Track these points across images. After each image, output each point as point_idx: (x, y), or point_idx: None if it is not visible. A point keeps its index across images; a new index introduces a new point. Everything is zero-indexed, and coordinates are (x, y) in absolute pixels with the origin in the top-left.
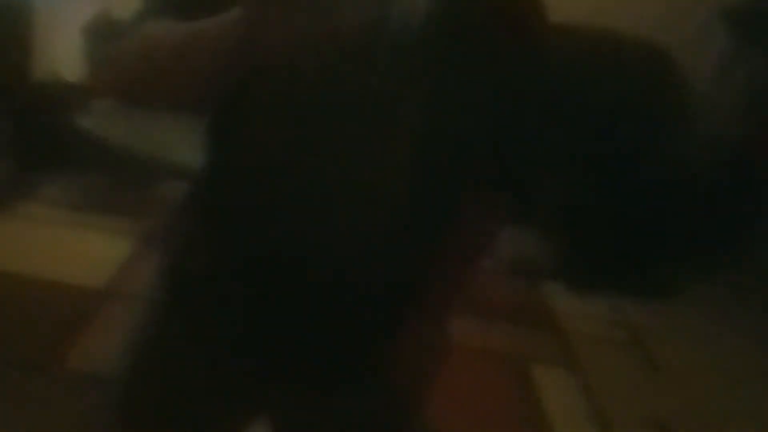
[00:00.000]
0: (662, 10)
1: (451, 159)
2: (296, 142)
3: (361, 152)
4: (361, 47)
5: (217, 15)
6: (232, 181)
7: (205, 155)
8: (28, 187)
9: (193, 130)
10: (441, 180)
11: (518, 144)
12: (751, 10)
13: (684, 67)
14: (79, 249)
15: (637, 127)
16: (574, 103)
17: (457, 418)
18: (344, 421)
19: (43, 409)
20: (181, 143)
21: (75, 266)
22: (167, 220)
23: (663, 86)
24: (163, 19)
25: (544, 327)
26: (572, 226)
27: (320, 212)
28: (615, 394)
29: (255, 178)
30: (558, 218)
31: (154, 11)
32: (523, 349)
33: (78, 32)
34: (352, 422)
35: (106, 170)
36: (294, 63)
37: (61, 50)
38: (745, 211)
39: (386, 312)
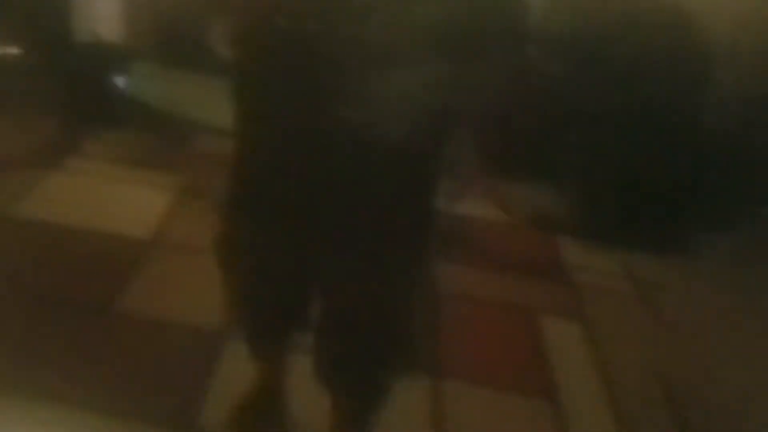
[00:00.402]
0: None
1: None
2: (308, 84)
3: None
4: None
5: None
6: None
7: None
8: (75, 143)
9: (223, 88)
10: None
11: (532, 98)
12: None
13: (704, 23)
14: (125, 202)
15: (655, 82)
16: (591, 59)
17: (466, 365)
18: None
19: (94, 349)
20: (214, 100)
21: (121, 218)
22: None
23: (683, 42)
24: None
25: (555, 279)
26: (586, 180)
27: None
28: (619, 346)
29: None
30: (572, 172)
31: None
32: (533, 300)
33: None
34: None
35: (147, 127)
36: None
37: (101, 11)
38: (759, 169)
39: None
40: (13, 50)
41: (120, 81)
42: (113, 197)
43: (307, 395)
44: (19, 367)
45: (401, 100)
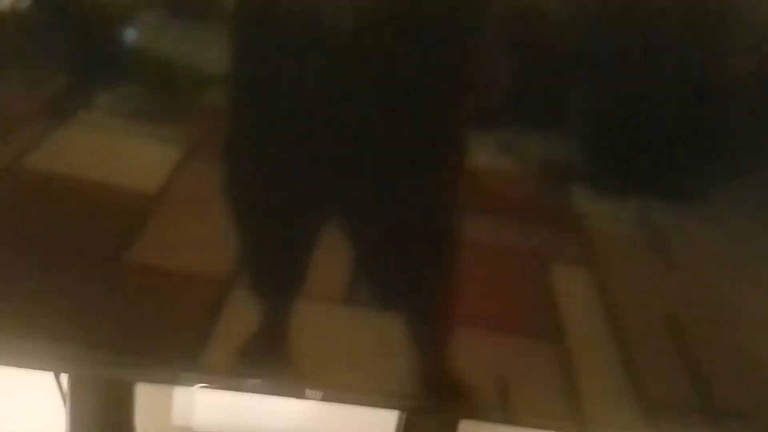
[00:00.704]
0: None
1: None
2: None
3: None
4: None
5: None
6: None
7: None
8: (85, 97)
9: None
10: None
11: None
12: None
13: None
14: (133, 154)
15: (675, 19)
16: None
17: (476, 312)
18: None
19: (101, 295)
20: (220, 53)
21: (129, 170)
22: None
23: None
24: None
25: (565, 226)
26: (598, 124)
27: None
28: (630, 292)
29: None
30: (584, 117)
31: None
32: (543, 247)
33: None
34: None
35: (156, 80)
36: None
37: None
38: None
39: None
40: (23, 2)
41: (130, 33)
42: (121, 150)
43: (310, 336)
44: (28, 312)
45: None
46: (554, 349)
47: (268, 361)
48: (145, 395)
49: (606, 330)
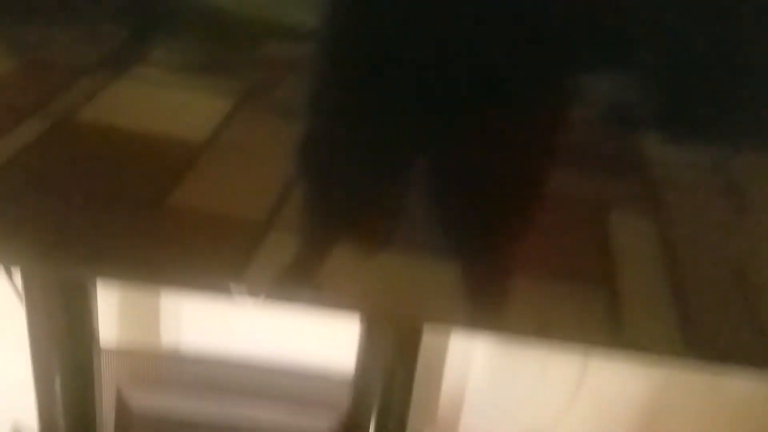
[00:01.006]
0: None
1: None
2: None
3: None
4: None
5: None
6: None
7: None
8: (139, 50)
9: None
10: None
11: None
12: None
13: None
14: (184, 106)
15: None
16: None
17: (535, 259)
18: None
19: (148, 235)
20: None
21: (179, 122)
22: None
23: None
24: None
25: (632, 173)
26: (672, 68)
27: None
28: (697, 240)
29: None
30: (659, 63)
31: None
32: (608, 195)
33: None
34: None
35: (212, 33)
36: None
37: None
38: None
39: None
40: None
41: None
42: (173, 102)
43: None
44: (79, 252)
45: None
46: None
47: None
48: (131, 315)
49: (666, 279)
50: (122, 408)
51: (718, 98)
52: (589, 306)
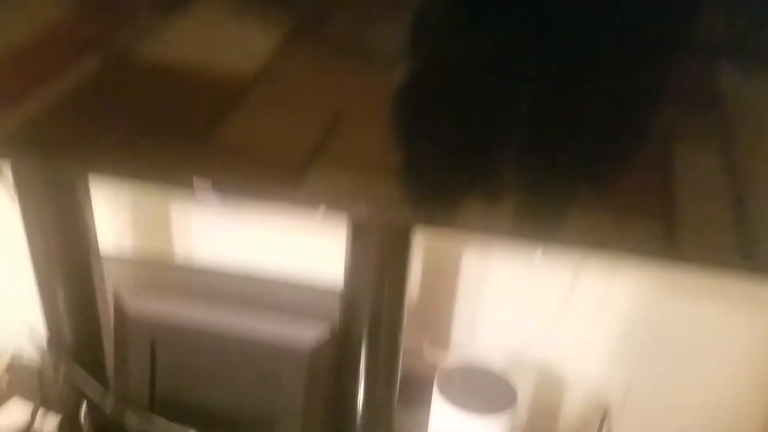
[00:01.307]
0: None
1: None
2: None
3: None
4: None
5: None
6: None
7: None
8: None
9: None
10: None
11: None
12: None
13: None
14: (236, 41)
15: None
16: None
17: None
18: None
19: (197, 161)
20: None
21: (230, 56)
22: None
23: None
24: None
25: (699, 106)
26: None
27: None
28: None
29: None
30: None
31: None
32: (673, 126)
33: None
34: None
35: None
36: None
37: None
38: None
39: None
40: None
41: None
42: (226, 38)
43: None
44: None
45: None
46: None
47: None
48: (144, 226)
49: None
50: (120, 312)
51: None
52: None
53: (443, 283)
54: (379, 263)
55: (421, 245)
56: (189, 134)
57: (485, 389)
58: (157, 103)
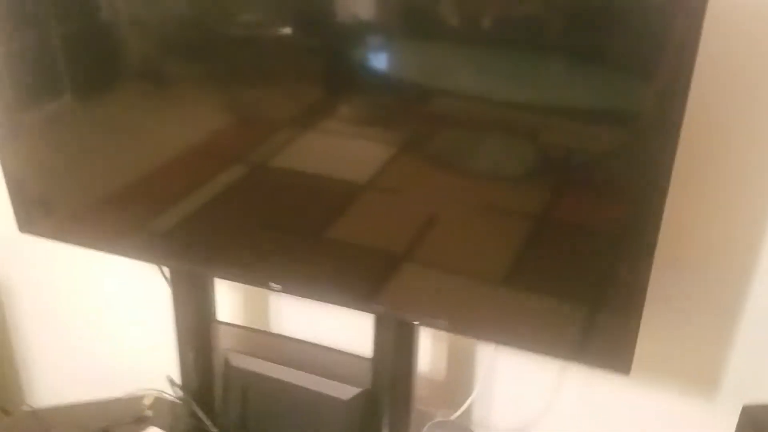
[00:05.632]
0: None
1: None
2: None
3: None
4: None
5: None
6: None
7: None
8: (329, 107)
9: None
10: None
11: None
12: None
13: None
14: (353, 153)
15: None
16: None
17: None
18: None
19: (306, 260)
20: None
21: (347, 166)
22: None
23: None
24: None
25: None
26: None
27: None
28: None
29: None
30: None
31: None
32: None
33: None
34: None
35: (386, 92)
36: None
37: None
38: None
39: None
40: (286, 31)
41: (370, 56)
42: (345, 149)
43: None
44: (252, 269)
45: None
46: None
47: None
48: (245, 307)
49: None
50: (227, 367)
51: None
52: None
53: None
54: (396, 342)
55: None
56: (285, 247)
57: None
58: (266, 215)
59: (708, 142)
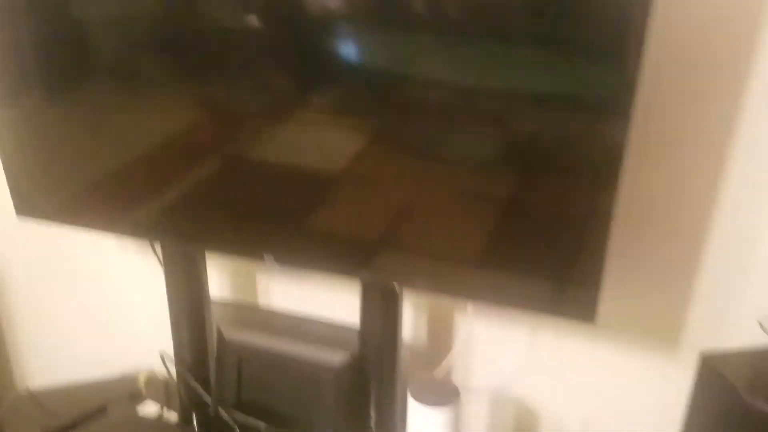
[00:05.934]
0: None
1: None
2: None
3: None
4: None
5: None
6: None
7: None
8: (302, 98)
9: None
10: None
11: None
12: None
13: None
14: (327, 142)
15: None
16: None
17: None
18: None
19: (285, 246)
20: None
21: (322, 155)
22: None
23: None
24: None
25: None
26: None
27: None
28: None
29: None
30: None
31: None
32: None
33: None
34: None
35: (357, 82)
36: None
37: None
38: None
39: None
40: (254, 22)
41: (343, 45)
42: (317, 138)
43: None
44: (244, 243)
45: None
46: None
47: None
48: (237, 282)
49: None
50: (220, 341)
51: None
52: None
53: (443, 330)
54: (382, 312)
55: (425, 303)
56: (274, 222)
57: (439, 392)
58: (255, 197)
59: (663, 115)
